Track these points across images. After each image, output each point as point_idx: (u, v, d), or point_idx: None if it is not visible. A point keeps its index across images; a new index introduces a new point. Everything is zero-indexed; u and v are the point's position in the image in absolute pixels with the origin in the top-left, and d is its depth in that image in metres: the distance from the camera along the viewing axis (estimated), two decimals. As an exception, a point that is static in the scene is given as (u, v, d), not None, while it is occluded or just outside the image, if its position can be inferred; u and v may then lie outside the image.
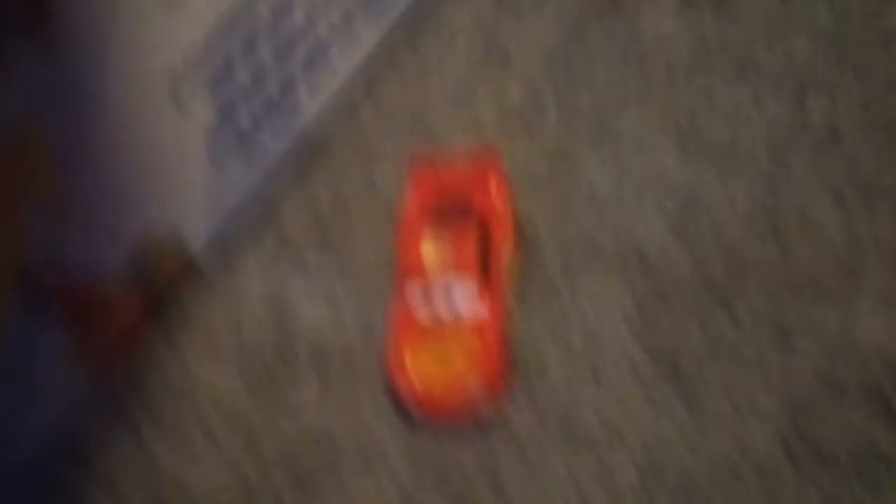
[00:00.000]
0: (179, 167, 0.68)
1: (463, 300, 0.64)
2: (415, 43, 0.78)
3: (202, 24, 0.65)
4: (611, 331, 0.64)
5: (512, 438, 0.62)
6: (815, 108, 0.69)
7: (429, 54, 0.77)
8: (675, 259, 0.65)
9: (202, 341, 0.69)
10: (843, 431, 0.59)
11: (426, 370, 0.63)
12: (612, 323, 0.64)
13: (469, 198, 0.67)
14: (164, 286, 0.69)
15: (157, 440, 0.65)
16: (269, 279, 0.70)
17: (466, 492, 0.61)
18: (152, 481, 0.64)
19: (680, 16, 0.74)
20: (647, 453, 0.60)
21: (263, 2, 0.68)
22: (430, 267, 0.65)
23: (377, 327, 0.66)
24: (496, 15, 0.78)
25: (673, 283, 0.65)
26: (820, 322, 0.62)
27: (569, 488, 0.60)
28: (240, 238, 0.72)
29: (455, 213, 0.67)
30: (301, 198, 0.73)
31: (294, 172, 0.74)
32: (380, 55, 0.77)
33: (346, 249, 0.70)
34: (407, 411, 0.63)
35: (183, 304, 0.70)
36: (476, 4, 0.79)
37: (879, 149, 0.67)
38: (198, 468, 0.64)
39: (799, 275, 0.63)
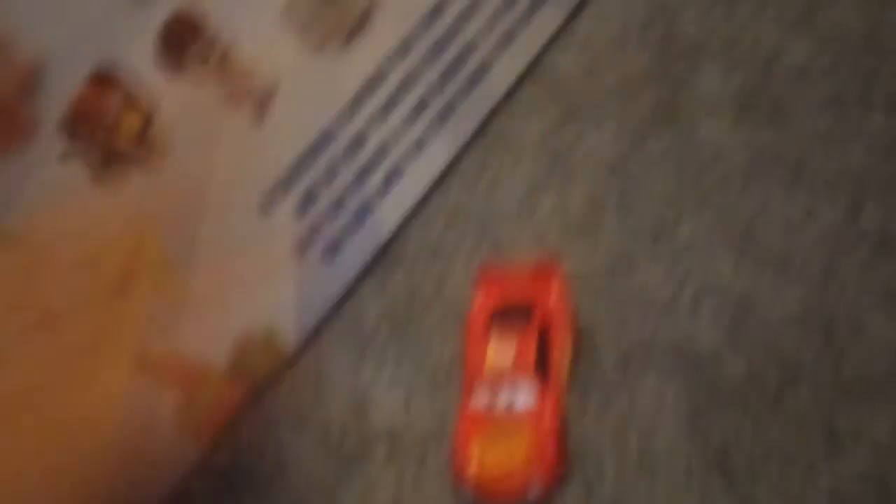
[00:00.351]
0: (272, 276, 0.74)
1: (523, 398, 0.67)
2: (485, 157, 0.83)
3: (288, 154, 0.73)
4: (666, 430, 0.66)
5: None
6: (870, 217, 0.71)
7: (497, 168, 0.82)
8: (730, 363, 0.67)
9: (293, 425, 0.74)
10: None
11: (487, 461, 0.66)
12: (667, 423, 0.66)
13: (532, 301, 0.70)
14: (261, 379, 0.75)
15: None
16: (351, 372, 0.75)
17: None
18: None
19: (736, 127, 0.77)
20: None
21: (342, 135, 0.75)
22: (494, 365, 0.69)
23: (446, 416, 0.70)
24: (561, 130, 0.82)
25: (727, 385, 0.66)
26: (869, 424, 0.63)
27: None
28: (327, 335, 0.77)
29: (518, 315, 0.70)
30: (380, 299, 0.78)
31: (373, 277, 0.79)
32: (452, 171, 0.82)
33: (419, 345, 0.75)
34: (468, 496, 0.66)
35: (277, 392, 0.75)
36: (543, 121, 0.83)
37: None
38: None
39: (850, 379, 0.65)
